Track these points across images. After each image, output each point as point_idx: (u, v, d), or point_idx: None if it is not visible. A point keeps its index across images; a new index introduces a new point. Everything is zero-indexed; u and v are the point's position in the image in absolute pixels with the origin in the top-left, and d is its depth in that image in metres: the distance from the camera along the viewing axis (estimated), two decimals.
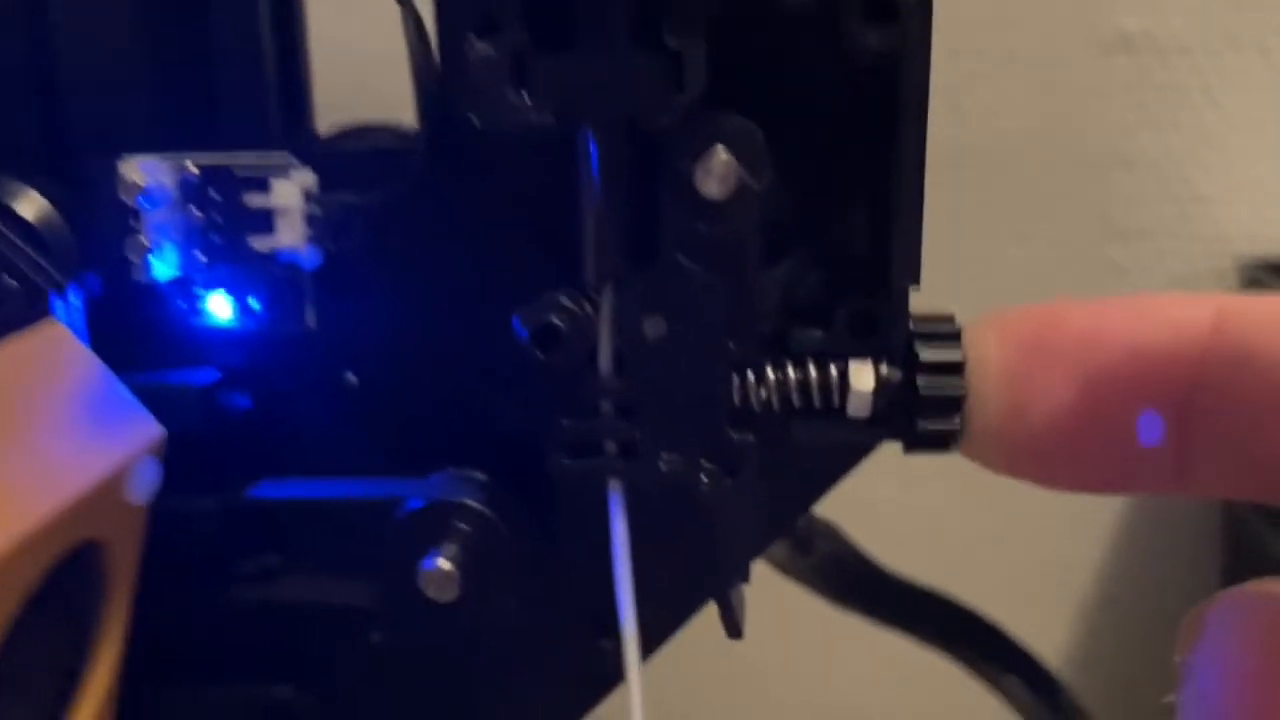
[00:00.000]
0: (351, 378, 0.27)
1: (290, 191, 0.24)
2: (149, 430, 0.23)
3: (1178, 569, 0.60)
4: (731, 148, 0.22)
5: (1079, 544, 0.61)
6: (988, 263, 0.58)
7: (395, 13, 0.25)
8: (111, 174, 0.25)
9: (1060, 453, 0.22)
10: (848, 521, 0.39)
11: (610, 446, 0.24)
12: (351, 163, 0.27)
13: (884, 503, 0.58)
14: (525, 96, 0.22)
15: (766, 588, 0.39)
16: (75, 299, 0.25)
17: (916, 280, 0.22)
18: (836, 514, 0.37)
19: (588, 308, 0.24)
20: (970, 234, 0.57)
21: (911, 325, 0.23)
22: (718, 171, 0.22)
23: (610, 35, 0.21)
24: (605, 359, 0.24)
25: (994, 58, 0.57)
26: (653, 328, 0.23)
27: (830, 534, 0.38)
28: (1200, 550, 0.60)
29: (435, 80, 0.24)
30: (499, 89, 0.22)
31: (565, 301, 0.23)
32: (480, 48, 0.21)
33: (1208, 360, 0.21)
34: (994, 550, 0.60)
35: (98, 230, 0.25)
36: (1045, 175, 0.58)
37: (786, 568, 0.37)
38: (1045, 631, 0.60)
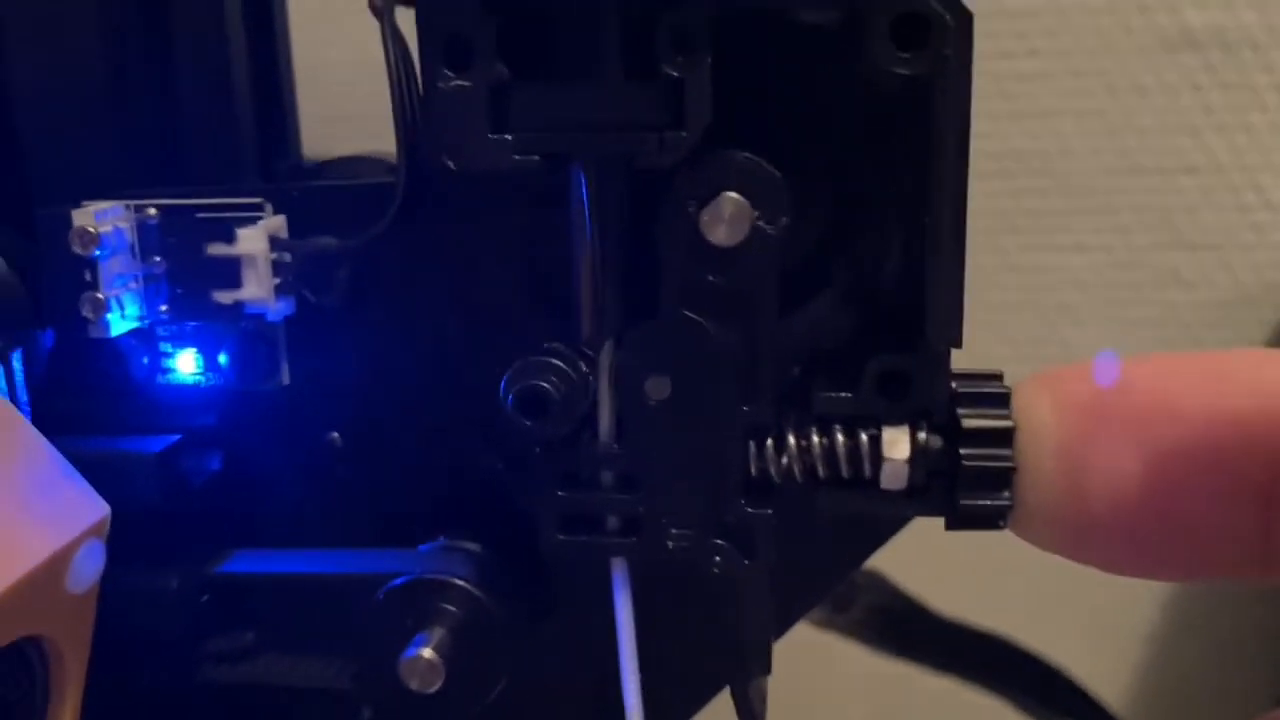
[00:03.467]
0: (335, 437, 0.24)
1: (256, 239, 0.22)
2: (91, 511, 0.20)
3: (1255, 597, 0.57)
4: (742, 190, 0.19)
5: None
6: (1043, 273, 0.55)
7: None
8: (64, 222, 0.22)
9: (1125, 536, 0.19)
10: (890, 550, 0.36)
11: (611, 522, 0.21)
12: (333, 200, 0.24)
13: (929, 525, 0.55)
14: (505, 135, 0.19)
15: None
16: (16, 362, 0.22)
17: (957, 342, 0.19)
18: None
19: (583, 366, 0.21)
20: (1025, 243, 0.55)
21: (953, 384, 0.20)
22: (727, 216, 0.19)
23: (600, 63, 0.19)
24: (605, 424, 0.21)
25: (1049, 57, 0.54)
26: (656, 389, 0.21)
27: (872, 584, 0.35)
28: None
29: (414, 113, 0.22)
30: (474, 128, 0.19)
31: (557, 362, 0.21)
32: (452, 81, 0.19)
33: None
34: (1051, 580, 0.57)
35: (50, 284, 0.23)
36: (1105, 181, 0.55)
37: (824, 625, 0.34)
38: (1108, 669, 0.57)
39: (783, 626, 0.24)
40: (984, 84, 0.57)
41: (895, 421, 0.20)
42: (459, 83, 0.19)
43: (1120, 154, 0.54)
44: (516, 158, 0.19)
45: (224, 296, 0.22)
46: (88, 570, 0.20)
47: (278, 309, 0.23)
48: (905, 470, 0.20)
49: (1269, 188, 0.54)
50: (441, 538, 0.24)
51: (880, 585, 0.36)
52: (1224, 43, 0.53)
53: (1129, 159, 0.54)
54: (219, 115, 0.26)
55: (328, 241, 0.23)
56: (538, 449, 0.21)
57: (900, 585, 0.39)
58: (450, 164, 0.19)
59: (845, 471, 0.21)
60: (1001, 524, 0.20)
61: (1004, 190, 0.55)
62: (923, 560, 0.37)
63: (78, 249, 0.22)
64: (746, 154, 0.19)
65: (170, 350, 0.24)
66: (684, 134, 0.19)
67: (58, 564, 0.19)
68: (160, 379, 0.24)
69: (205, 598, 0.24)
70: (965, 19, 0.18)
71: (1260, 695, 0.56)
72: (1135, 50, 0.53)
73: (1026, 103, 0.54)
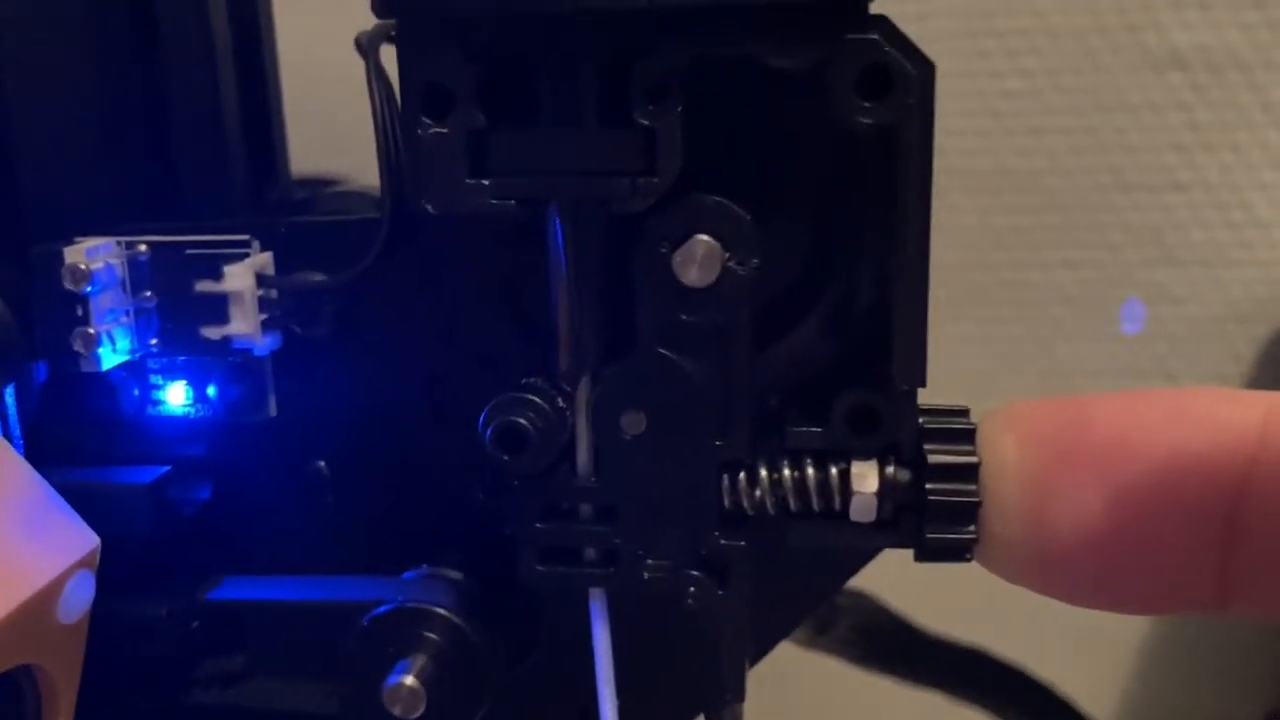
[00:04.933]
0: (321, 466, 0.25)
1: (242, 276, 0.23)
2: (82, 542, 0.21)
3: None
4: (713, 232, 0.20)
5: None
6: (1033, 289, 0.55)
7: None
8: (57, 259, 0.23)
9: (1087, 569, 0.19)
10: (874, 567, 0.37)
11: (589, 553, 0.22)
12: (320, 236, 0.25)
13: None
14: (483, 179, 0.20)
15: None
16: (9, 396, 0.23)
17: (920, 382, 0.20)
18: None
19: (561, 401, 0.22)
20: (1015, 259, 0.55)
21: (920, 420, 0.21)
22: (699, 258, 0.20)
23: (575, 111, 0.19)
24: (583, 458, 0.22)
25: (1038, 76, 0.54)
26: (632, 424, 0.21)
27: (856, 603, 0.36)
28: None
29: (398, 151, 0.22)
30: (452, 173, 0.19)
31: (534, 398, 0.21)
32: (431, 129, 0.19)
33: (1255, 470, 0.18)
34: (1038, 594, 0.57)
35: (42, 319, 0.23)
36: (1094, 198, 0.55)
37: (808, 645, 0.34)
38: (1096, 685, 0.57)
39: (758, 653, 0.24)
40: (974, 102, 0.57)
41: (864, 456, 0.21)
42: (438, 130, 0.19)
43: (1109, 171, 0.55)
44: (494, 202, 0.20)
45: (212, 332, 0.23)
46: (78, 600, 0.21)
47: (264, 344, 0.23)
48: (874, 503, 0.21)
49: (1256, 205, 0.54)
50: (425, 566, 0.25)
51: (864, 604, 0.36)
52: (1210, 63, 0.53)
53: (1118, 176, 0.55)
54: (210, 149, 0.26)
55: (314, 277, 0.23)
56: (516, 482, 0.22)
57: (885, 603, 0.39)
58: (429, 208, 0.20)
59: (816, 504, 0.21)
60: (968, 556, 0.21)
61: (994, 207, 0.55)
62: (908, 577, 0.38)
63: (69, 285, 0.23)
64: (717, 198, 0.20)
65: (160, 383, 0.24)
66: (655, 180, 0.19)
67: (49, 595, 0.20)
68: (150, 411, 0.24)
69: (195, 624, 0.24)
70: (927, 69, 0.19)
71: (1250, 712, 0.57)
72: (1123, 69, 0.54)
73: (1016, 120, 0.55)
